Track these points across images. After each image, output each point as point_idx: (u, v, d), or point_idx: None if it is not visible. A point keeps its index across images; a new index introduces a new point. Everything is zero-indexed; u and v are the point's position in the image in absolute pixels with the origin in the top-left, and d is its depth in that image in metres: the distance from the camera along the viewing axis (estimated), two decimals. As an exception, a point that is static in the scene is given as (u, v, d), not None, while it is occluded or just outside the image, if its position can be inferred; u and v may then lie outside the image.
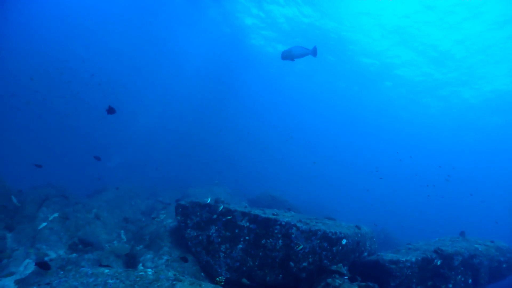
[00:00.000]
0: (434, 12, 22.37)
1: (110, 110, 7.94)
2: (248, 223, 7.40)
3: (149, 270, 4.76)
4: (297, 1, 24.46)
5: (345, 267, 7.14)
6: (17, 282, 6.95)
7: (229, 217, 7.58)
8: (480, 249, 8.32)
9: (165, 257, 7.71)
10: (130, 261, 8.21)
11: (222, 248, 7.42)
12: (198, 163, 36.78)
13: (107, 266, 5.17)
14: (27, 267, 8.12)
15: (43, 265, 5.53)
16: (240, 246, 7.26)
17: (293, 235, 6.88)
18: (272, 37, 31.09)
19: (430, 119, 42.03)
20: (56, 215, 9.81)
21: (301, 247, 6.70)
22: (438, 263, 8.06)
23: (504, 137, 40.44)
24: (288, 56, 9.28)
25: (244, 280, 7.05)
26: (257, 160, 52.39)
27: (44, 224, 9.50)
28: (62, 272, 4.95)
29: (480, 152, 49.21)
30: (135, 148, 45.76)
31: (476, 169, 54.53)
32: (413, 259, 7.80)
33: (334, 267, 6.95)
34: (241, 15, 28.05)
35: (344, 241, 7.51)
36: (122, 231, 10.88)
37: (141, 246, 8.49)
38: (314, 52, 9.23)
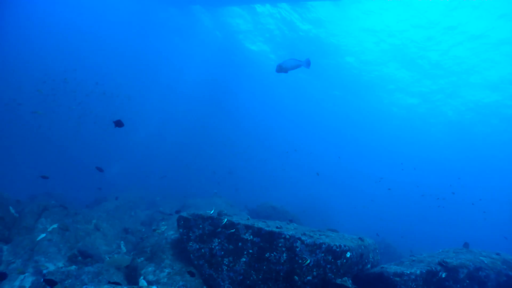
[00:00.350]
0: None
1: (118, 123, 7.88)
2: (251, 236, 7.31)
3: (155, 287, 4.65)
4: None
5: (349, 281, 7.04)
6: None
7: (232, 230, 7.49)
8: (485, 262, 8.23)
9: (167, 270, 7.58)
10: (131, 274, 8.07)
11: (225, 261, 7.30)
12: (197, 174, 36.71)
13: (116, 283, 5.05)
14: (24, 281, 7.95)
15: (50, 282, 5.33)
16: (244, 259, 7.16)
17: (297, 249, 6.79)
18: (268, 45, 31.41)
19: (429, 127, 42.21)
20: (55, 226, 9.67)
21: (308, 262, 6.61)
22: (443, 275, 7.96)
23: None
24: (282, 69, 9.42)
25: (247, 294, 6.93)
26: (257, 170, 52.32)
27: (43, 235, 9.36)
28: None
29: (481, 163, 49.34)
30: (134, 158, 45.64)
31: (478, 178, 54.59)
32: (418, 272, 7.70)
33: (339, 281, 6.84)
34: (235, 21, 28.35)
35: (348, 254, 7.41)
36: (122, 242, 10.73)
37: (142, 259, 8.36)
38: (307, 64, 9.36)
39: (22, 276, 7.86)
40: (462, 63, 26.78)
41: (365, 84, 35.42)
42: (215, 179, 31.50)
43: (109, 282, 5.72)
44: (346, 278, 6.96)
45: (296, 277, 6.71)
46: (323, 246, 6.94)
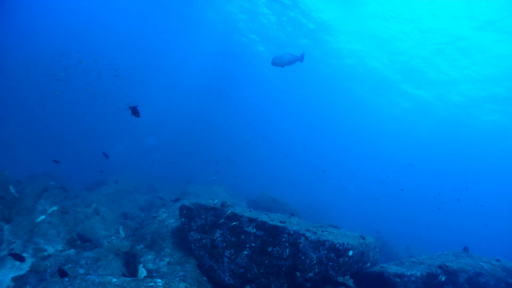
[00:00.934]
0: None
1: (134, 111, 7.53)
2: (255, 230, 7.23)
3: (159, 280, 4.58)
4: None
5: (351, 280, 7.01)
6: (14, 279, 6.73)
7: (235, 223, 7.41)
8: (485, 268, 8.20)
9: (166, 259, 7.53)
10: (130, 261, 8.02)
11: (226, 253, 7.24)
12: (197, 161, 36.67)
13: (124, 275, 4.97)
14: (24, 262, 7.90)
15: (62, 272, 5.29)
16: (246, 252, 7.10)
17: (301, 245, 6.73)
18: (272, 40, 31.12)
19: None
20: (55, 208, 9.59)
21: (314, 261, 6.57)
22: (443, 279, 7.95)
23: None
24: (278, 62, 9.46)
25: (247, 287, 6.90)
26: (258, 161, 52.34)
27: (43, 217, 9.28)
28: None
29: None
30: (137, 141, 45.50)
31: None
32: (418, 274, 7.68)
33: (340, 279, 6.81)
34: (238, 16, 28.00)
35: (350, 253, 7.37)
36: (121, 227, 10.68)
37: (141, 246, 8.30)
38: (301, 58, 9.40)
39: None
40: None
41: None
42: (215, 167, 31.48)
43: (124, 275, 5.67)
44: (347, 276, 6.93)
45: (298, 273, 6.67)
46: (327, 243, 6.89)
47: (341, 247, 7.03)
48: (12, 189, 10.52)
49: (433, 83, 30.58)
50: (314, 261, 6.72)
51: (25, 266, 7.51)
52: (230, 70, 40.69)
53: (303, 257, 6.70)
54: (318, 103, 46.14)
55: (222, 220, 7.56)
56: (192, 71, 44.05)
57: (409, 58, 27.96)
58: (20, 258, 7.13)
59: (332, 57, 31.86)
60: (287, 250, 6.80)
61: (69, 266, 6.95)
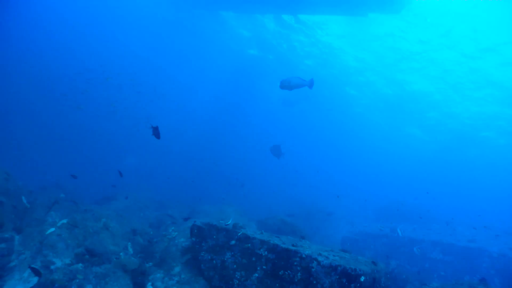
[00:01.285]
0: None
1: (155, 132, 7.56)
2: (266, 252, 7.13)
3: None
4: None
5: (363, 307, 6.81)
6: (23, 292, 6.69)
7: (248, 245, 7.33)
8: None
9: (176, 278, 7.43)
10: (138, 278, 7.92)
11: (236, 275, 7.12)
12: (207, 180, 36.57)
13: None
14: (31, 274, 7.87)
15: None
16: (256, 275, 6.97)
17: (313, 269, 6.59)
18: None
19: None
20: (64, 221, 9.59)
21: (326, 287, 6.44)
22: (459, 311, 7.68)
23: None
24: (286, 86, 9.46)
25: (257, 311, 6.75)
26: (269, 182, 51.88)
27: (52, 229, 9.27)
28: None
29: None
30: (149, 155, 45.49)
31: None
32: (433, 305, 7.44)
33: (352, 307, 6.62)
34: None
35: (362, 278, 7.18)
36: (129, 243, 10.59)
37: (150, 264, 8.22)
38: (310, 84, 9.49)
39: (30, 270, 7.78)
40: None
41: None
42: (226, 187, 31.33)
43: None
44: (360, 304, 6.73)
45: (309, 299, 6.52)
46: (339, 268, 6.73)
47: (353, 273, 6.87)
48: (24, 200, 10.59)
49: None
50: (326, 286, 6.56)
51: (33, 279, 7.47)
52: (244, 87, 41.17)
53: (314, 282, 6.56)
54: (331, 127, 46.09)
55: (233, 242, 7.47)
56: (208, 86, 44.66)
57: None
58: (38, 273, 7.07)
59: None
60: (299, 274, 6.66)
61: (77, 281, 6.89)
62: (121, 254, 10.14)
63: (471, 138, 37.37)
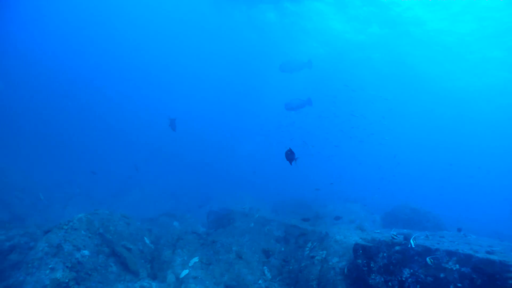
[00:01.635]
0: None
1: (172, 124, 8.01)
2: (457, 266, 5.20)
3: None
4: None
5: None
6: None
7: (431, 258, 5.50)
8: None
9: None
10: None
11: None
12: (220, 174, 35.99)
13: None
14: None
15: None
16: None
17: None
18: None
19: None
20: (196, 259, 8.62)
21: None
22: None
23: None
24: (290, 108, 10.65)
25: None
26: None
27: (186, 271, 8.34)
28: None
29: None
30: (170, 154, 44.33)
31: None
32: None
33: None
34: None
35: None
36: (265, 267, 9.34)
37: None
38: (309, 103, 10.51)
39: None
40: None
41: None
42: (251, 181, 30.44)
43: None
44: None
45: None
46: None
47: None
48: (146, 240, 9.95)
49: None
50: None
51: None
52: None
53: None
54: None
55: (409, 256, 5.68)
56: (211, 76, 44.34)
57: None
58: None
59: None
60: None
61: None
62: (259, 282, 8.94)
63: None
